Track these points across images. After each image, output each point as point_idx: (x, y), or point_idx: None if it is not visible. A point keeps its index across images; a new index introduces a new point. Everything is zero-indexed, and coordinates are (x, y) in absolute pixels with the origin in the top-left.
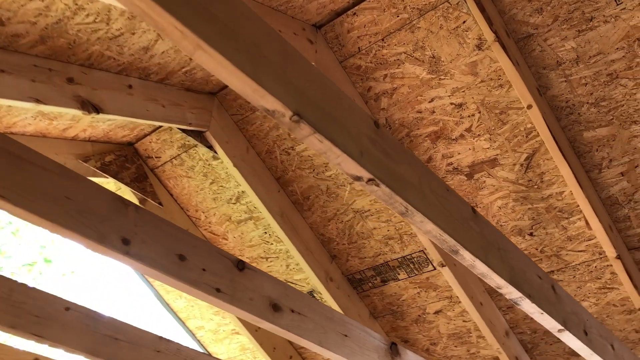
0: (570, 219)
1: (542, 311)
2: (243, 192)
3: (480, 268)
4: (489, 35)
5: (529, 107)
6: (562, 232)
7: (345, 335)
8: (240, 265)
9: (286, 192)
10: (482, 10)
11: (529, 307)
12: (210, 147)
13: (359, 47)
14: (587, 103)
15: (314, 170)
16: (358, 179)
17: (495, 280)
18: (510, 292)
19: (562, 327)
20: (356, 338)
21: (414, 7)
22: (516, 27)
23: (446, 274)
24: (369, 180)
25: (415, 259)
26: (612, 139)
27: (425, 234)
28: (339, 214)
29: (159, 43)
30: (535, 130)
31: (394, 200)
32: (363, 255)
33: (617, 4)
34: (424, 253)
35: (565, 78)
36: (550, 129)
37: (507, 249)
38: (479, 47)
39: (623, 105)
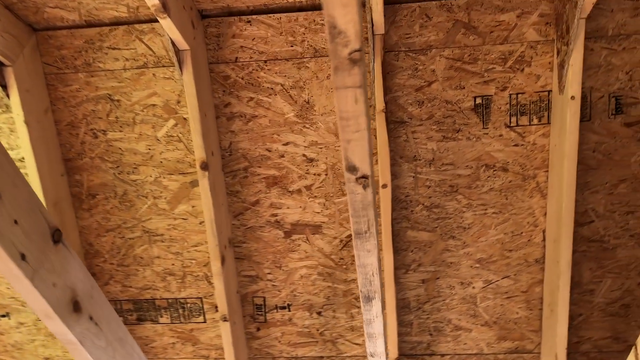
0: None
1: None
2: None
3: (375, 327)
4: (379, 104)
5: (384, 186)
6: (348, 320)
7: None
8: (57, 235)
9: (69, 180)
10: (384, 77)
11: None
12: (4, 87)
13: (236, 57)
14: (422, 205)
15: (118, 167)
16: (353, 169)
17: (376, 342)
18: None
19: None
20: None
21: (311, 45)
22: (394, 109)
23: (224, 330)
24: (362, 177)
25: (188, 305)
26: (429, 246)
27: (358, 267)
28: (124, 228)
29: None
30: None
31: (364, 213)
32: (130, 283)
33: (483, 127)
34: (201, 301)
35: (415, 174)
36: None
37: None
38: None
39: (450, 218)
